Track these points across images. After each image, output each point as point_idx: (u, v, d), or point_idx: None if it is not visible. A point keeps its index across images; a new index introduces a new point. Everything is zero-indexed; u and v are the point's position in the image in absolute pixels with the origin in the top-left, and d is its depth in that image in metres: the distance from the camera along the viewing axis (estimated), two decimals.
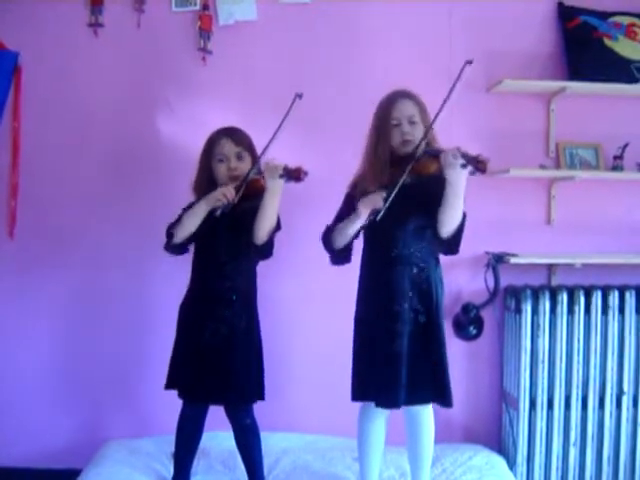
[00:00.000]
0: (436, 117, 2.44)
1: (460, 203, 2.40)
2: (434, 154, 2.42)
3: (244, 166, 2.61)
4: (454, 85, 2.42)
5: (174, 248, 2.62)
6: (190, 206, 2.62)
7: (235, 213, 2.57)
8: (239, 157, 2.62)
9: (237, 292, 2.61)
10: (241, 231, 2.57)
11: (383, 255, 2.51)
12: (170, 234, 2.59)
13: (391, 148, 2.50)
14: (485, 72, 3.19)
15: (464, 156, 2.31)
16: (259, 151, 2.60)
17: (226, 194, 2.47)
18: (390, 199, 2.38)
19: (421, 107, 2.53)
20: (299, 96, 2.50)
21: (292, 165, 2.45)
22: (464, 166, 2.31)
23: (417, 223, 2.51)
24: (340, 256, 2.59)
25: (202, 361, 2.56)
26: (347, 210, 2.57)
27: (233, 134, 2.63)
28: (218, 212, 2.48)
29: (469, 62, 2.43)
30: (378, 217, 2.39)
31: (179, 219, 2.59)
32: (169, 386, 2.65)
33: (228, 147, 2.61)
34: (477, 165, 2.30)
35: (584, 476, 3.08)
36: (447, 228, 2.44)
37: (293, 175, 2.45)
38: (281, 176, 2.45)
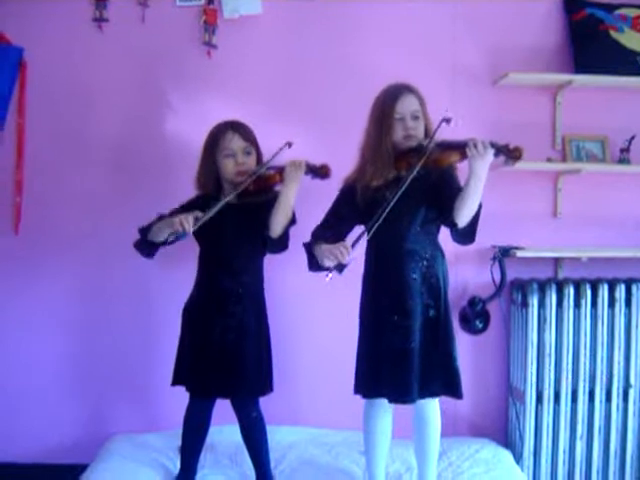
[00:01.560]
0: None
1: (480, 192, 2.39)
2: (454, 146, 2.41)
3: (251, 161, 2.61)
4: (434, 133, 2.44)
5: (143, 246, 2.63)
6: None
7: (242, 209, 2.59)
8: (246, 152, 2.61)
9: (246, 287, 2.61)
10: (248, 226, 2.58)
11: (393, 249, 2.50)
12: (143, 235, 2.61)
13: (393, 142, 2.50)
14: (491, 65, 3.19)
15: (493, 145, 2.33)
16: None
17: (184, 224, 2.42)
18: (356, 251, 2.34)
19: (422, 101, 2.53)
20: (289, 145, 2.54)
21: (314, 162, 2.51)
22: (496, 155, 2.33)
23: (426, 216, 2.51)
24: (319, 267, 2.53)
25: (212, 356, 2.57)
26: (338, 208, 2.58)
27: (240, 129, 2.62)
28: (170, 238, 2.47)
29: (446, 120, 2.42)
30: (342, 273, 2.32)
31: (150, 227, 2.59)
32: (176, 382, 2.66)
33: (236, 142, 2.60)
34: (511, 154, 2.31)
35: (591, 469, 3.08)
36: (465, 217, 2.43)
37: (320, 172, 2.51)
38: (307, 173, 2.49)
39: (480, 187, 2.38)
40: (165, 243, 2.54)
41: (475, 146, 2.32)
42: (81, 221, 3.17)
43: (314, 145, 3.00)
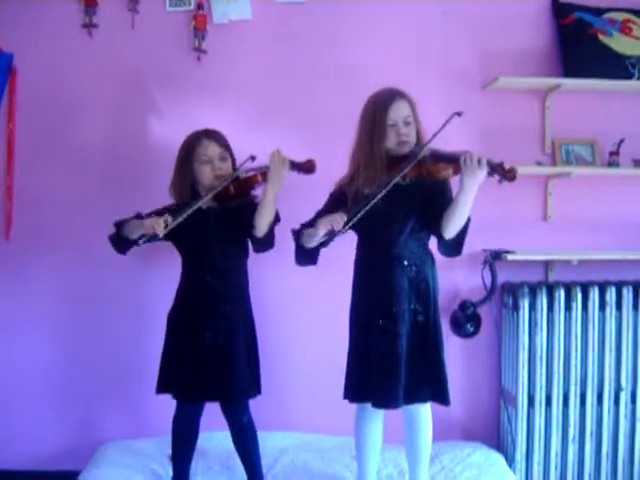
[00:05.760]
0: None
1: (469, 207, 2.40)
2: (448, 158, 2.41)
3: (227, 167, 2.65)
4: (441, 128, 2.43)
5: (116, 239, 2.63)
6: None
7: (222, 211, 2.63)
8: (222, 158, 2.65)
9: (234, 287, 2.64)
10: (230, 228, 2.62)
11: (381, 254, 2.50)
12: (117, 229, 2.63)
13: (386, 149, 2.49)
14: (480, 69, 3.20)
15: (488, 163, 2.33)
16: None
17: (155, 227, 2.45)
18: (351, 223, 2.35)
19: (413, 106, 2.52)
20: (252, 158, 2.59)
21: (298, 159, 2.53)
22: (490, 174, 2.33)
23: (416, 224, 2.51)
24: (305, 256, 2.56)
25: (204, 359, 2.57)
26: (328, 209, 2.55)
27: (215, 136, 2.66)
28: (141, 240, 2.50)
29: (458, 114, 2.44)
30: (333, 239, 2.36)
31: (125, 222, 2.60)
32: (161, 390, 2.65)
33: (212, 149, 2.63)
34: (505, 174, 2.33)
35: (583, 472, 3.08)
36: (452, 230, 2.44)
37: (304, 167, 2.54)
38: (292, 169, 2.52)
39: (469, 202, 2.38)
40: (137, 243, 2.55)
41: (470, 160, 2.32)
42: (72, 226, 3.16)
43: (304, 149, 2.98)
